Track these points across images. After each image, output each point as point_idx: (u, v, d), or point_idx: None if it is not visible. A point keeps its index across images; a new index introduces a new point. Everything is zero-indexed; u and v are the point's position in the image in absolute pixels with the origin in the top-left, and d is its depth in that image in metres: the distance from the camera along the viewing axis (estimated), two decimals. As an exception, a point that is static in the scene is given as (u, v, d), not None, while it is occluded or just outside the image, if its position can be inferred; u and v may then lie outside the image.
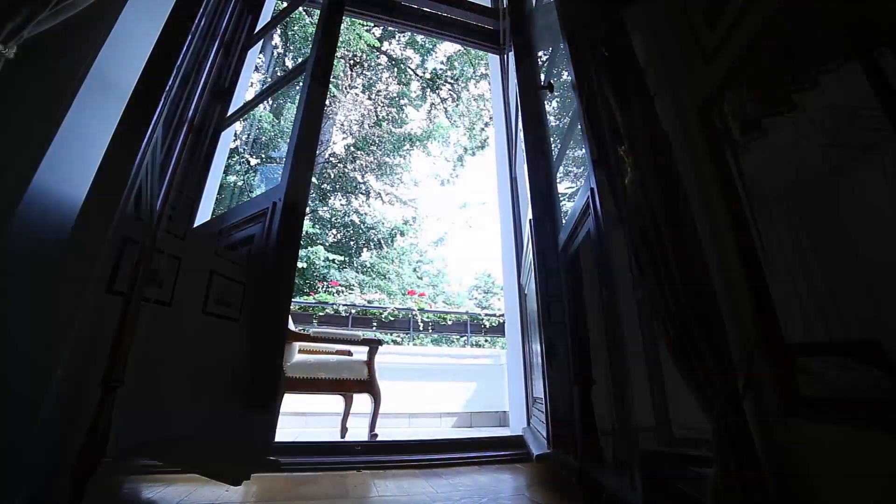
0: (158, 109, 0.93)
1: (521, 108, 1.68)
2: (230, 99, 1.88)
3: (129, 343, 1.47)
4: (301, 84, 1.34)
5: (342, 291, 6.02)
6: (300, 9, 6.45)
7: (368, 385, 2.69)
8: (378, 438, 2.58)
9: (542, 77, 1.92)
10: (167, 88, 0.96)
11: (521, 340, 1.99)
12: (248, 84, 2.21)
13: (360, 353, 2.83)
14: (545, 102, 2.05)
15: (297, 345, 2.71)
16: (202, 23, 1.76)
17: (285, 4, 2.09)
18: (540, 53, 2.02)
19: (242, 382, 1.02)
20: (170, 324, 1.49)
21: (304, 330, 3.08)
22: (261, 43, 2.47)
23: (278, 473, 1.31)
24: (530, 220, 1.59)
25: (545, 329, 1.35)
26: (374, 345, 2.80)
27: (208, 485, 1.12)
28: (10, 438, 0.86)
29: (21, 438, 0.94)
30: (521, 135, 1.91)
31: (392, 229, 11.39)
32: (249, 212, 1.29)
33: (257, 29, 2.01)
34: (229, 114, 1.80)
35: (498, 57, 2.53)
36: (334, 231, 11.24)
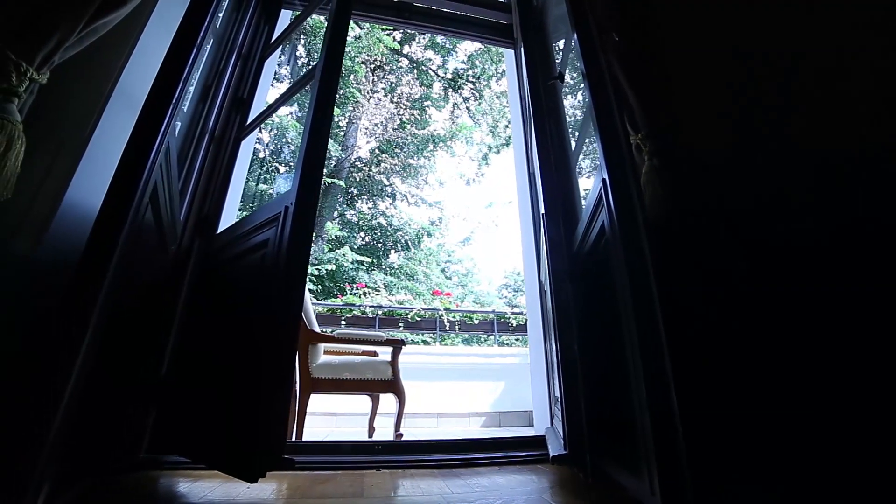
0: (166, 121, 0.97)
1: (531, 101, 1.65)
2: (249, 108, 1.94)
3: (165, 343, 1.55)
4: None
5: (368, 293, 6.12)
6: (321, 18, 6.61)
7: (392, 385, 2.72)
8: (403, 438, 2.60)
9: (558, 68, 1.88)
10: (174, 100, 1.00)
11: (542, 338, 1.95)
12: (267, 93, 2.28)
13: (386, 353, 2.86)
14: (563, 95, 2.00)
15: (322, 346, 2.78)
16: (214, 36, 1.83)
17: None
18: (560, 45, 1.98)
19: (254, 382, 1.05)
20: (196, 325, 1.56)
21: (328, 331, 3.16)
22: (278, 53, 2.54)
23: (299, 472, 1.34)
24: (542, 214, 1.55)
25: (558, 327, 1.31)
26: (397, 345, 2.83)
27: (230, 481, 1.16)
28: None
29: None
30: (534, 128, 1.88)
31: (419, 230, 11.48)
32: (264, 217, 1.32)
33: (273, 38, 2.07)
34: (248, 123, 1.86)
35: (513, 52, 2.49)
36: (362, 234, 11.45)
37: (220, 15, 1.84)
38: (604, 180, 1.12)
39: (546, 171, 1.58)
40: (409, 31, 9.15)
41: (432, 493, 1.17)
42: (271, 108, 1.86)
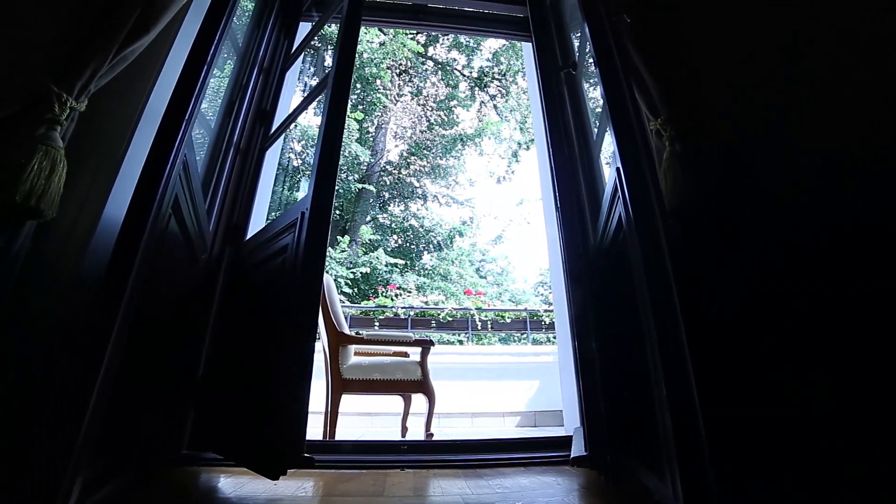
0: (179, 137, 1.03)
1: (542, 92, 1.61)
2: (272, 119, 2.02)
3: (200, 347, 1.65)
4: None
5: (400, 294, 6.20)
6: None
7: (422, 385, 2.74)
8: (434, 438, 2.62)
9: (577, 57, 1.82)
10: (185, 119, 1.06)
11: (570, 336, 1.90)
12: (290, 103, 2.36)
13: (417, 354, 2.89)
14: (588, 85, 1.94)
15: (353, 348, 2.84)
16: (236, 52, 1.92)
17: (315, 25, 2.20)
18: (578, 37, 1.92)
19: (274, 383, 1.09)
20: (228, 328, 1.64)
21: (359, 333, 3.23)
22: (299, 63, 2.63)
23: (326, 470, 1.38)
24: (557, 208, 1.51)
25: (575, 325, 1.26)
26: (426, 345, 2.85)
27: (258, 478, 1.21)
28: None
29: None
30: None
31: (450, 231, 11.51)
32: (284, 222, 1.37)
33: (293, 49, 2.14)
34: (271, 133, 1.94)
35: (530, 45, 2.45)
36: (395, 236, 11.63)
37: (240, 34, 1.93)
38: (618, 169, 1.07)
39: (560, 164, 1.54)
40: (425, 32, 9.18)
41: (452, 493, 1.17)
42: (290, 118, 1.93)
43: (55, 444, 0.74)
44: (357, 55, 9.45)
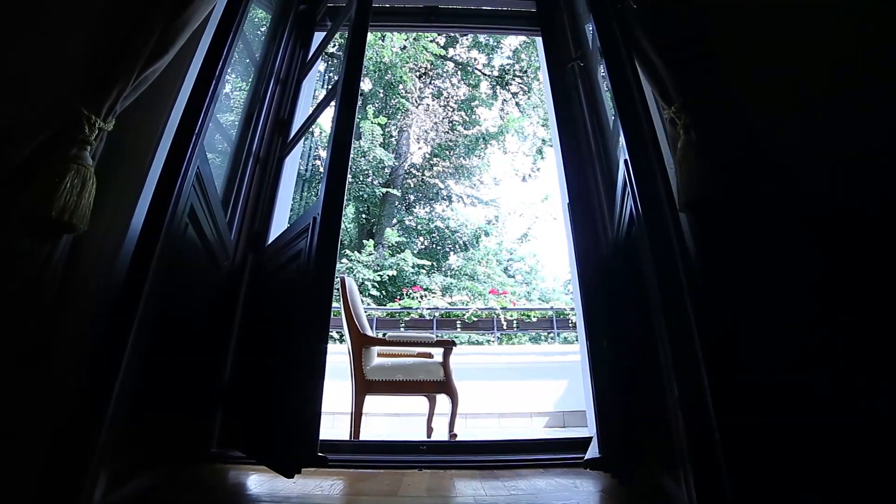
0: (189, 149, 1.09)
1: (549, 85, 1.57)
2: (290, 128, 2.09)
3: (227, 350, 1.72)
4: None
5: (426, 296, 6.24)
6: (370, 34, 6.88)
7: (445, 386, 2.74)
8: (458, 438, 2.61)
9: (589, 48, 1.78)
10: (195, 134, 1.12)
11: (584, 336, 1.85)
12: (307, 111, 2.42)
13: (440, 354, 2.90)
14: (598, 76, 1.88)
15: (376, 349, 2.88)
16: (254, 66, 1.99)
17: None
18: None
19: (288, 384, 1.12)
20: (251, 331, 1.71)
21: (384, 335, 3.27)
22: (315, 72, 2.69)
23: (344, 469, 1.41)
24: (566, 204, 1.47)
25: (588, 325, 1.23)
26: (447, 346, 2.85)
27: (278, 477, 1.25)
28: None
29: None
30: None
31: (476, 230, 11.47)
32: (299, 227, 1.41)
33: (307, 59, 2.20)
34: (288, 140, 2.00)
35: (540, 39, 2.41)
36: (421, 238, 11.70)
37: (258, 48, 2.00)
38: (626, 161, 1.04)
39: (568, 157, 1.50)
40: (437, 33, 9.18)
41: (466, 493, 1.16)
42: (305, 126, 1.98)
43: (81, 438, 0.79)
44: (378, 61, 9.63)
